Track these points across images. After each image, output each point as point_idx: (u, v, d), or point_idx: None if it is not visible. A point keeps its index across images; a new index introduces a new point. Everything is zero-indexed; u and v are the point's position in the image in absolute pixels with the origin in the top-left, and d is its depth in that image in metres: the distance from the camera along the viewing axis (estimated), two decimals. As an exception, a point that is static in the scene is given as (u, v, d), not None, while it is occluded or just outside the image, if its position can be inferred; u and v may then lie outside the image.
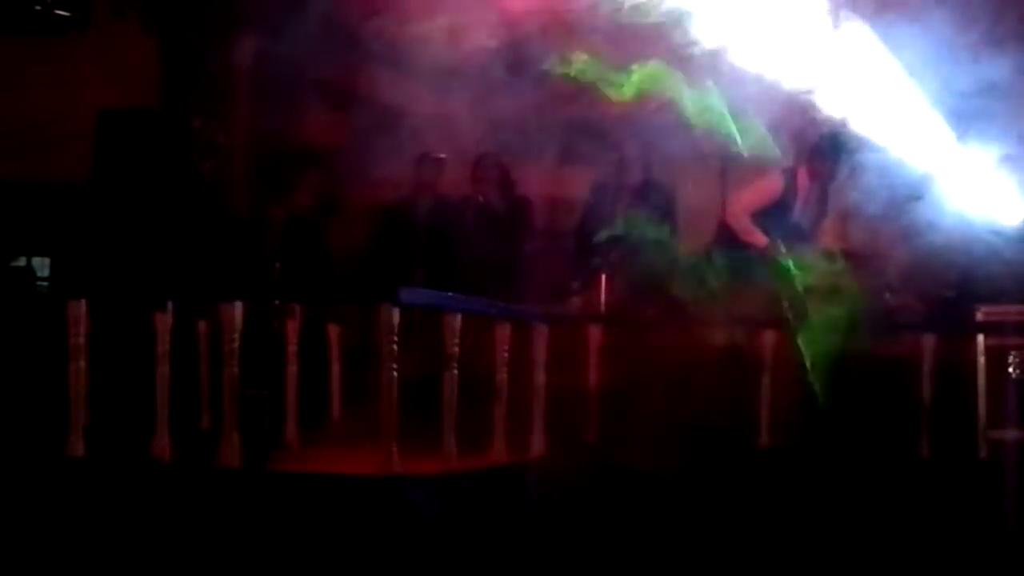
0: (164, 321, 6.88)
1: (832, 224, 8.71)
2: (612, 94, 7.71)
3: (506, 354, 7.26)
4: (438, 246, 9.03)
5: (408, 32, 8.63)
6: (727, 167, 8.89)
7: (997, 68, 7.66)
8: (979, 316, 8.00)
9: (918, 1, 7.73)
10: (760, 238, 8.38)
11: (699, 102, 7.74)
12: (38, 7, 9.56)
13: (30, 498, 6.37)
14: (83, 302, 6.78)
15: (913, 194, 8.35)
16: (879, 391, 7.82)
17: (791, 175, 8.53)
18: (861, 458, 7.35)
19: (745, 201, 8.58)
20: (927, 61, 7.75)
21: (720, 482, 6.90)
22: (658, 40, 7.50)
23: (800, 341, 7.75)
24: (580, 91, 8.63)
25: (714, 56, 7.63)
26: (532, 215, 9.44)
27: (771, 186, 8.52)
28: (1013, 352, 7.81)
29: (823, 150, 8.49)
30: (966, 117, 8.26)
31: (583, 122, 9.19)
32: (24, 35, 9.84)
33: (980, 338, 7.86)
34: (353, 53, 9.24)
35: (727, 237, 8.55)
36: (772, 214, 8.48)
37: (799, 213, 8.55)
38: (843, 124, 8.29)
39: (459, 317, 6.66)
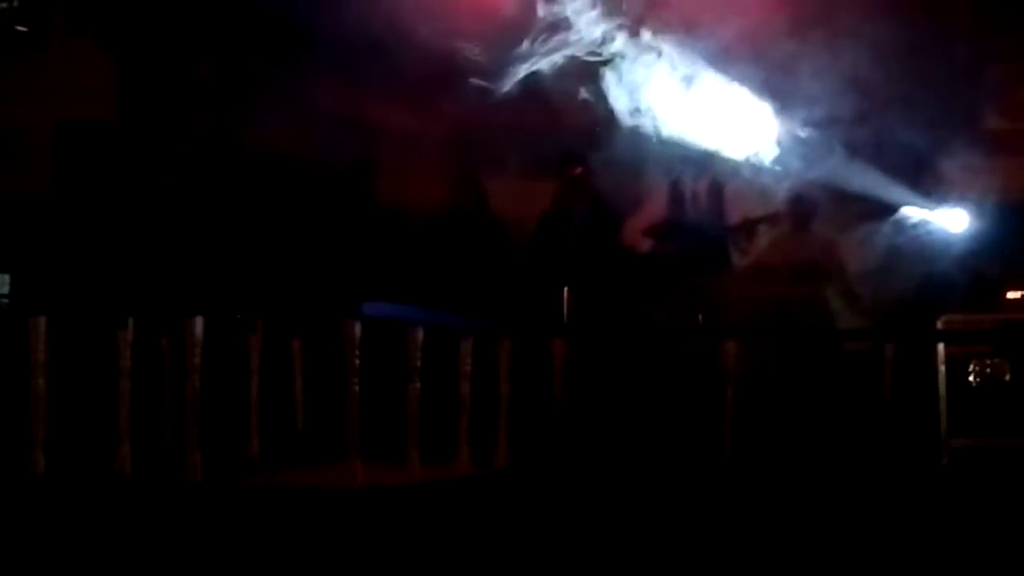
0: (126, 337, 6.86)
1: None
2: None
3: (469, 367, 7.28)
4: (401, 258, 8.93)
5: (373, 41, 8.63)
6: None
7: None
8: (940, 324, 8.05)
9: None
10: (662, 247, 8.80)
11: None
12: (-2, 24, 9.50)
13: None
14: (43, 319, 6.74)
15: None
16: (842, 396, 7.88)
17: (674, 185, 8.92)
18: (823, 464, 7.38)
19: (639, 226, 8.93)
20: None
21: (686, 490, 6.92)
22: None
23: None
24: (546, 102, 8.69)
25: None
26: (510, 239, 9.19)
27: (656, 205, 8.94)
28: (974, 360, 7.87)
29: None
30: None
31: (549, 136, 9.17)
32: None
33: (941, 346, 7.92)
34: (314, 63, 9.21)
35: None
36: (671, 227, 8.87)
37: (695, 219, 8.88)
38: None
39: (422, 330, 6.66)
